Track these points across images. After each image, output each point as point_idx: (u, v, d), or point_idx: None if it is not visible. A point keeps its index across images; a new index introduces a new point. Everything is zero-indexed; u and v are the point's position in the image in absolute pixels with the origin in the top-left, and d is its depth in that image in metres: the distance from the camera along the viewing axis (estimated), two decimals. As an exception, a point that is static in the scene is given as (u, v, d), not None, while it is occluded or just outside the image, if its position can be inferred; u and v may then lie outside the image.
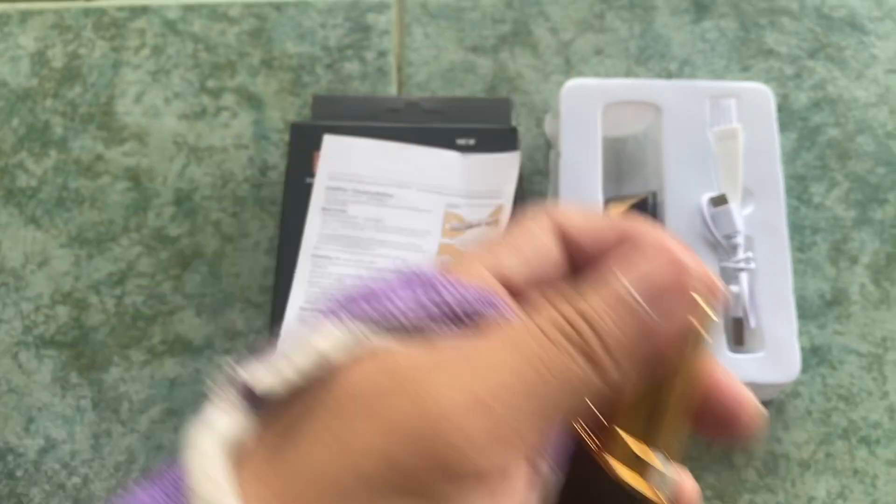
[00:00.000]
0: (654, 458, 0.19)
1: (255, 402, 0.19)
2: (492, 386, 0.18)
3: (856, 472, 0.44)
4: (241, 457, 0.19)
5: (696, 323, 0.19)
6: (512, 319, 0.20)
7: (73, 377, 0.47)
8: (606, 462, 0.19)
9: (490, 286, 0.20)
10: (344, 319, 0.19)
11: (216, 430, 0.18)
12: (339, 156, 0.47)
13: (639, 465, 0.19)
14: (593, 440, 0.20)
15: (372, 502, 0.17)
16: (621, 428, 0.19)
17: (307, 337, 0.19)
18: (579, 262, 0.22)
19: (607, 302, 0.19)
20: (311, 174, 0.47)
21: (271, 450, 0.19)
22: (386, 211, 0.45)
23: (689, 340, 0.19)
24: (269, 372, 0.19)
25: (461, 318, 0.20)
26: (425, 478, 0.17)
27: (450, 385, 0.18)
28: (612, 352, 0.19)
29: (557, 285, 0.21)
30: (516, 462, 0.18)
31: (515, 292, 0.21)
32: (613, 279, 0.19)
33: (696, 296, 0.19)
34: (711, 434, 0.21)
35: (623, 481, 0.19)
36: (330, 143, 0.47)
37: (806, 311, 0.47)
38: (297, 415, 0.19)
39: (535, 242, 0.21)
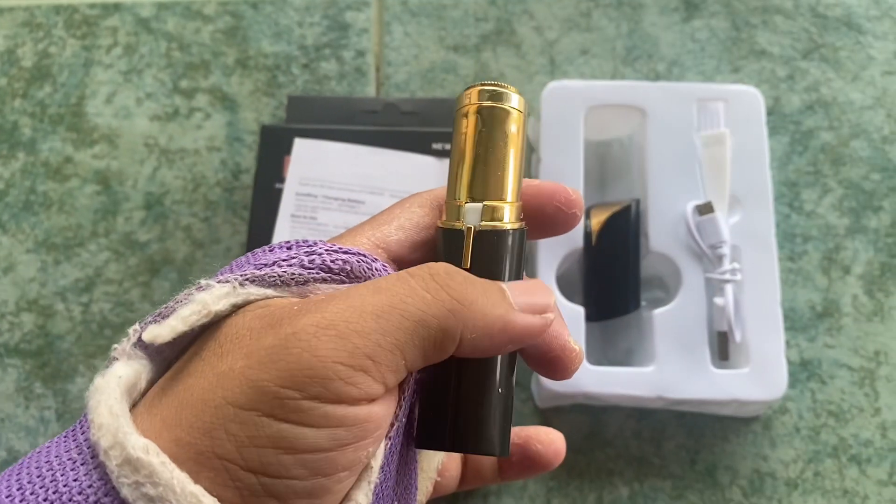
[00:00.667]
0: (461, 203, 0.24)
1: (153, 352, 0.22)
2: (346, 315, 0.20)
3: (845, 492, 0.43)
4: (138, 396, 0.21)
5: (498, 105, 0.24)
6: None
7: (38, 387, 0.46)
8: (438, 224, 0.24)
9: (370, 252, 0.23)
10: (227, 276, 0.22)
11: (115, 374, 0.21)
12: (310, 160, 0.45)
13: (458, 212, 0.24)
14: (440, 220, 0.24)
15: (235, 420, 0.19)
16: (451, 199, 0.24)
17: (193, 292, 0.22)
18: None
19: (484, 283, 0.22)
20: (281, 179, 0.45)
21: (162, 387, 0.21)
22: (357, 219, 0.43)
23: (491, 118, 0.24)
24: (160, 325, 0.21)
25: (343, 279, 0.22)
26: (281, 395, 0.19)
27: (309, 317, 0.20)
28: (474, 306, 0.21)
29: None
30: (371, 384, 0.20)
31: (395, 258, 0.24)
32: (494, 282, 0.23)
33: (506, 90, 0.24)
34: (543, 228, 0.25)
35: (440, 223, 0.24)
36: (301, 146, 0.45)
37: (796, 323, 0.46)
38: (185, 359, 0.22)
39: (410, 213, 0.24)
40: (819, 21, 0.52)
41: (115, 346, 0.22)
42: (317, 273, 0.22)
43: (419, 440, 0.24)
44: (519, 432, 0.29)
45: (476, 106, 0.24)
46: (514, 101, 0.24)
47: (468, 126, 0.24)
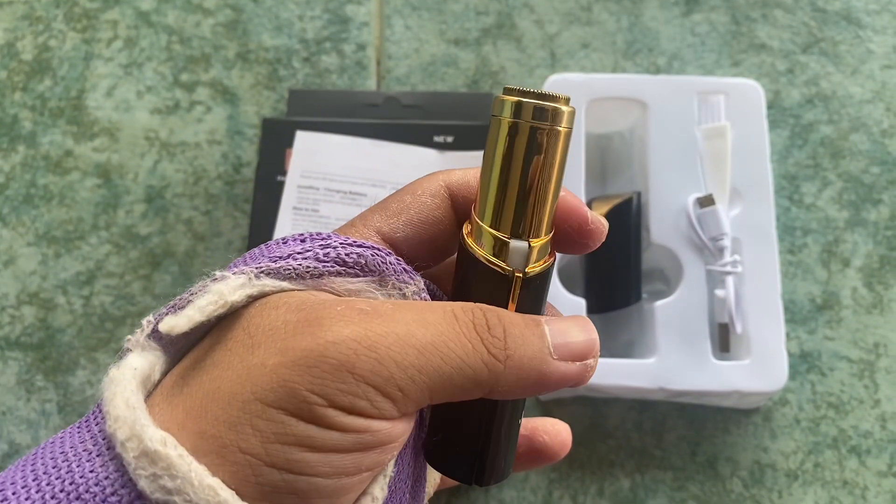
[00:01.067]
0: (505, 238, 0.22)
1: (167, 344, 0.22)
2: (389, 341, 0.20)
3: (845, 483, 0.43)
4: (152, 387, 0.21)
5: (555, 127, 0.21)
6: (420, 288, 0.23)
7: (39, 380, 0.46)
8: (471, 244, 0.22)
9: (379, 245, 0.23)
10: (241, 268, 0.22)
11: (131, 366, 0.21)
12: (311, 153, 0.45)
13: (502, 249, 0.22)
14: (469, 234, 0.23)
15: (263, 416, 0.19)
16: (490, 225, 0.22)
17: (208, 283, 0.22)
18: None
19: (527, 327, 0.22)
20: (283, 172, 0.45)
21: (183, 376, 0.21)
22: (359, 211, 0.43)
23: (546, 143, 0.21)
24: (177, 316, 0.21)
25: (357, 272, 0.22)
26: (309, 400, 0.19)
27: (352, 330, 0.20)
28: (511, 362, 0.21)
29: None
30: (393, 411, 0.20)
31: (399, 252, 0.23)
32: (537, 318, 0.22)
33: (555, 105, 0.21)
34: (563, 243, 0.24)
35: (479, 254, 0.22)
36: (303, 139, 0.45)
37: (795, 316, 0.46)
38: (205, 348, 0.21)
39: (420, 206, 0.24)
40: (819, 15, 0.52)
41: (129, 336, 0.22)
42: (332, 266, 0.22)
43: (429, 457, 0.24)
44: (525, 424, 0.29)
45: (529, 126, 0.21)
46: (568, 120, 0.22)
47: (516, 147, 0.21)
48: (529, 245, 0.22)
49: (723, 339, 0.42)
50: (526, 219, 0.22)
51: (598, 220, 0.24)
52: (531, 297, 0.23)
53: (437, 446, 0.24)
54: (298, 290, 0.22)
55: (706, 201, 0.43)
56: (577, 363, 0.22)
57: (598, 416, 0.44)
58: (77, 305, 0.47)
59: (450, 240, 0.24)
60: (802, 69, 0.51)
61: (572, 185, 0.44)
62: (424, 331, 0.20)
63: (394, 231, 0.23)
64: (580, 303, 0.42)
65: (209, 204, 0.49)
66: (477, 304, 0.22)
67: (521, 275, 0.22)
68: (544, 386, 0.22)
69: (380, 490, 0.21)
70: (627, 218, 0.44)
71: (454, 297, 0.23)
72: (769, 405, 0.44)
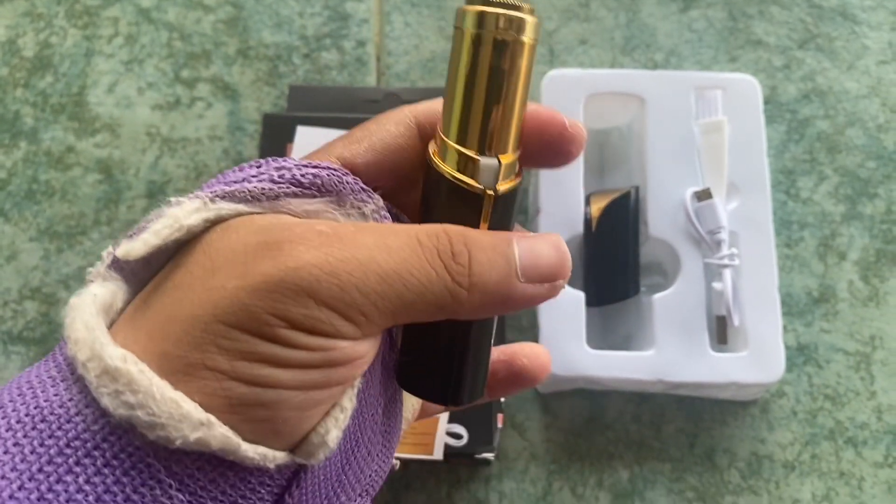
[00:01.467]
0: (474, 155, 0.21)
1: (129, 274, 0.22)
2: (351, 267, 0.20)
3: (842, 474, 0.43)
4: (115, 315, 0.21)
5: (520, 37, 0.21)
6: (386, 215, 0.23)
7: (42, 374, 0.46)
8: (437, 163, 0.22)
9: (340, 168, 0.22)
10: (198, 193, 0.21)
11: (90, 293, 0.21)
12: (312, 148, 0.45)
13: (469, 166, 0.21)
14: (435, 153, 0.22)
15: (226, 336, 0.19)
16: (456, 141, 0.21)
17: (164, 210, 0.21)
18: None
19: (494, 250, 0.21)
20: (284, 167, 0.46)
21: (144, 300, 0.21)
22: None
23: (510, 53, 0.21)
24: (133, 240, 0.21)
25: (314, 193, 0.22)
26: (271, 323, 0.19)
27: (312, 255, 0.19)
28: (474, 288, 0.21)
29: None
30: (355, 333, 0.20)
31: (360, 178, 0.23)
32: (507, 237, 0.22)
33: (520, 14, 0.21)
34: (545, 156, 0.24)
35: (447, 172, 0.21)
36: (303, 134, 0.46)
37: (792, 309, 0.46)
38: (165, 273, 0.21)
39: (384, 133, 0.23)
40: (815, 11, 0.53)
41: (90, 269, 0.22)
42: (287, 188, 0.22)
43: (400, 380, 0.24)
44: (504, 349, 0.29)
45: (492, 35, 0.20)
46: (533, 30, 0.21)
47: (480, 58, 0.21)
48: (499, 161, 0.21)
49: (720, 332, 0.43)
50: (493, 134, 0.21)
51: (576, 124, 0.23)
52: (500, 217, 0.22)
53: (408, 367, 0.24)
54: (256, 212, 0.21)
55: (703, 195, 0.43)
56: (546, 284, 0.22)
57: (596, 408, 0.45)
58: (79, 300, 0.48)
59: (416, 169, 0.23)
60: (799, 65, 0.51)
61: (571, 181, 0.44)
62: (387, 257, 0.20)
63: (354, 156, 0.23)
64: (579, 296, 0.43)
65: (210, 199, 0.49)
66: (444, 226, 0.21)
67: (492, 192, 0.21)
68: (509, 307, 0.22)
69: (348, 401, 0.21)
70: (626, 212, 0.44)
71: (422, 221, 0.23)
72: (766, 397, 0.45)
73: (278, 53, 0.53)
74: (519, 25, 0.21)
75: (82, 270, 0.48)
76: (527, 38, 0.21)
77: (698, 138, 0.45)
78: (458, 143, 0.21)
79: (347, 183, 0.22)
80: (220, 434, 0.19)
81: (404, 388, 0.24)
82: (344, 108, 0.48)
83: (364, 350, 0.21)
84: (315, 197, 0.22)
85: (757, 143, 0.45)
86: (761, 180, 0.44)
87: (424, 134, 0.23)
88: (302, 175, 0.22)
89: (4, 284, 0.48)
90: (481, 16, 0.21)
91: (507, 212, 0.22)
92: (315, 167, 0.22)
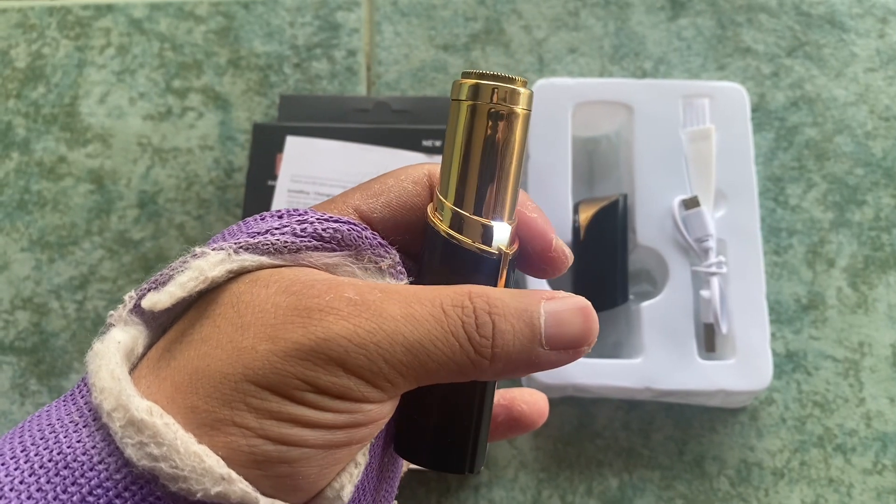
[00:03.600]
0: (475, 218, 0.22)
1: (149, 319, 0.23)
2: (376, 334, 0.20)
3: (831, 480, 0.43)
4: (136, 360, 0.22)
5: (514, 108, 0.22)
6: (406, 281, 0.23)
7: (33, 384, 0.46)
8: (438, 224, 0.23)
9: (355, 221, 0.23)
10: (220, 244, 0.22)
11: (114, 340, 0.21)
12: (301, 157, 0.45)
13: (470, 229, 0.22)
14: (435, 215, 0.23)
15: (256, 396, 0.20)
16: (458, 206, 0.22)
17: (188, 260, 0.22)
18: None
19: (519, 318, 0.21)
20: (274, 176, 0.46)
21: (169, 349, 0.21)
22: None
23: (510, 125, 0.22)
24: (159, 292, 0.22)
25: (334, 247, 0.22)
26: (301, 388, 0.20)
27: (342, 321, 0.20)
28: (497, 359, 0.21)
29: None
30: (381, 397, 0.21)
31: (377, 232, 0.24)
32: (534, 302, 0.22)
33: (517, 88, 0.22)
34: (530, 265, 0.25)
35: (450, 234, 0.22)
36: (293, 144, 0.46)
37: (781, 316, 0.46)
38: (190, 322, 0.22)
39: (401, 191, 0.24)
40: (803, 19, 0.53)
41: (112, 312, 0.23)
42: (308, 241, 0.22)
43: (399, 450, 0.24)
44: (504, 394, 0.29)
45: (488, 107, 0.21)
46: (526, 101, 0.22)
47: (478, 128, 0.22)
48: (508, 225, 0.22)
49: (708, 339, 0.43)
50: (497, 200, 0.22)
51: (561, 248, 0.24)
52: (511, 279, 0.23)
53: (405, 435, 0.24)
54: (278, 264, 0.22)
55: (691, 203, 0.44)
56: (570, 350, 0.22)
57: (586, 416, 0.45)
58: (70, 310, 0.48)
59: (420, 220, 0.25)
60: (787, 72, 0.51)
61: (559, 189, 0.45)
62: (413, 329, 0.20)
63: (371, 210, 0.24)
64: (567, 304, 0.43)
65: (201, 209, 0.50)
66: (469, 291, 0.21)
67: (510, 252, 0.22)
68: (530, 372, 0.22)
69: (362, 456, 0.22)
70: (614, 220, 0.44)
71: (427, 282, 0.23)
72: (755, 404, 0.45)
73: (269, 63, 0.53)
74: (512, 97, 0.21)
75: (74, 280, 0.48)
76: (520, 108, 0.22)
77: (686, 146, 0.45)
78: (462, 209, 0.22)
79: (366, 238, 0.23)
80: (239, 489, 0.19)
81: (403, 457, 0.24)
82: (335, 117, 0.49)
83: (387, 411, 0.21)
84: (335, 251, 0.22)
85: (744, 151, 0.45)
86: (749, 188, 0.44)
87: (431, 184, 0.24)
88: (324, 230, 0.22)
89: (-4, 294, 0.48)
90: (476, 88, 0.22)
91: (512, 277, 0.23)
92: (336, 222, 0.23)
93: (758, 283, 0.43)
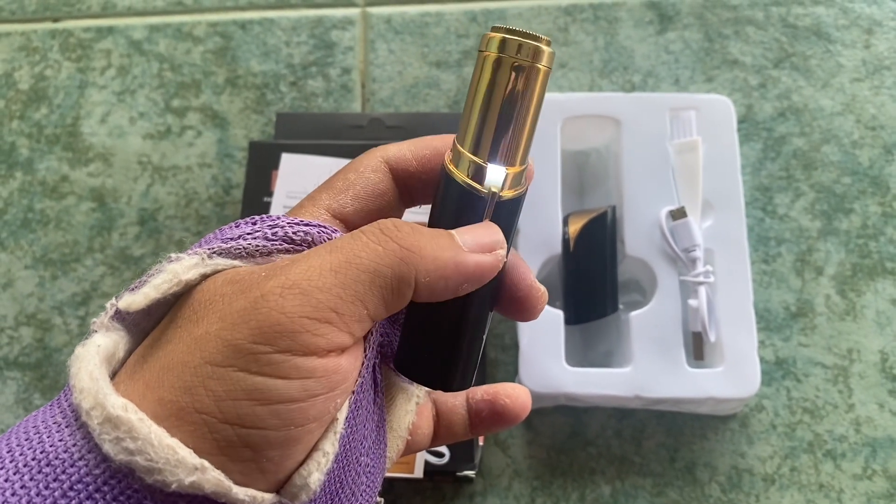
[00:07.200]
0: (470, 156, 0.23)
1: (130, 324, 0.23)
2: (307, 274, 0.21)
3: (821, 486, 0.44)
4: (117, 364, 0.23)
5: (535, 64, 0.23)
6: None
7: (37, 399, 0.47)
8: (451, 168, 0.24)
9: (329, 223, 0.24)
10: (196, 250, 0.23)
11: (95, 344, 0.22)
12: (297, 174, 0.47)
13: (479, 172, 0.24)
14: (450, 161, 0.24)
15: (213, 377, 0.20)
16: (469, 151, 0.24)
17: (164, 264, 0.23)
18: (414, 187, 0.26)
19: (434, 230, 0.23)
20: (269, 193, 0.47)
21: (142, 354, 0.23)
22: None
23: (526, 78, 0.23)
24: (134, 293, 0.23)
25: (305, 249, 0.23)
26: (254, 350, 0.20)
27: (275, 280, 0.21)
28: (424, 250, 0.22)
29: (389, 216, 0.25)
30: (337, 334, 0.21)
31: (350, 226, 0.25)
32: (445, 231, 0.23)
33: (533, 43, 0.23)
34: (507, 305, 0.26)
35: (458, 177, 0.24)
36: (288, 161, 0.47)
37: (770, 324, 0.47)
38: (162, 328, 0.23)
39: (365, 181, 0.25)
40: (789, 31, 0.54)
41: (94, 319, 0.23)
42: (280, 244, 0.23)
43: (398, 366, 0.26)
44: (487, 389, 0.30)
45: (512, 61, 0.23)
46: (548, 59, 0.23)
47: (500, 79, 0.23)
48: (506, 170, 0.24)
49: (697, 348, 0.43)
50: (502, 146, 0.23)
51: (536, 292, 0.26)
52: (503, 222, 0.24)
53: (404, 354, 0.26)
54: (245, 264, 0.23)
55: (678, 214, 0.44)
56: (489, 253, 0.23)
57: (578, 424, 0.46)
58: (73, 326, 0.49)
59: (395, 210, 0.26)
60: (774, 83, 0.52)
61: (549, 202, 0.45)
62: (336, 254, 0.22)
63: (342, 206, 0.25)
64: (558, 314, 0.43)
65: (200, 225, 0.51)
66: (382, 219, 0.23)
67: (496, 191, 0.23)
68: (464, 274, 0.23)
69: (330, 445, 0.22)
70: (603, 231, 0.45)
71: (430, 224, 0.25)
72: (746, 411, 0.45)
73: (266, 82, 0.54)
74: (536, 53, 0.23)
75: (76, 296, 0.49)
76: (542, 65, 0.23)
77: (673, 158, 0.46)
78: (471, 152, 0.24)
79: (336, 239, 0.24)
80: (213, 478, 0.20)
81: (401, 373, 0.26)
82: (330, 134, 0.50)
83: (344, 369, 0.22)
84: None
85: (731, 162, 0.46)
86: (736, 198, 0.45)
87: (396, 176, 0.26)
88: (294, 233, 0.23)
89: (1, 311, 0.49)
90: (503, 42, 0.23)
91: (509, 221, 0.24)
92: (306, 225, 0.24)
93: (745, 292, 0.43)
